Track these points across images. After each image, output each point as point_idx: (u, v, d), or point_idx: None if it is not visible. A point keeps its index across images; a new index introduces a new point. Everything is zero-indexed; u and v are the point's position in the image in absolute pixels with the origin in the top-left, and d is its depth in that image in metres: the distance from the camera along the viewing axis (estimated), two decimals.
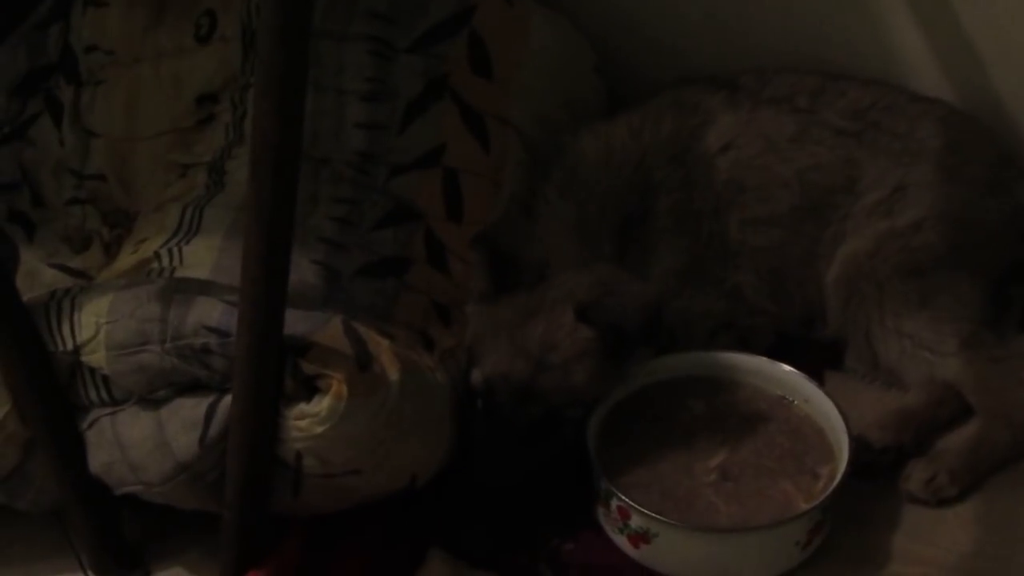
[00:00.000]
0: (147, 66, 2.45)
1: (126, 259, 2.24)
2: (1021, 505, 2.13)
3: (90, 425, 2.01)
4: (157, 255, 2.18)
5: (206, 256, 2.14)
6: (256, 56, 1.64)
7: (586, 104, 2.51)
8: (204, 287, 1.98)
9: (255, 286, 1.79)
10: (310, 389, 1.91)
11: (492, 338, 2.10)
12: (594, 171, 2.30)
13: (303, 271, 2.12)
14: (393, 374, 1.94)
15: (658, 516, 2.00)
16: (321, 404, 1.89)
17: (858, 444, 2.11)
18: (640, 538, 2.03)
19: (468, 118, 2.31)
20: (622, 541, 2.06)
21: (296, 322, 1.91)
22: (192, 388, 1.97)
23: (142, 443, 1.97)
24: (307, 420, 1.90)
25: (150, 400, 1.98)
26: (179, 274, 2.12)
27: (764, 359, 2.20)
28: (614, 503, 2.04)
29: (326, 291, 2.12)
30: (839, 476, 2.04)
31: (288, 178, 1.72)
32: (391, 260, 2.20)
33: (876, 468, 2.16)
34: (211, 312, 1.93)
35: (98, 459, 2.01)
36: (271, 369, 1.87)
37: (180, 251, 2.17)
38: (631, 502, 2.01)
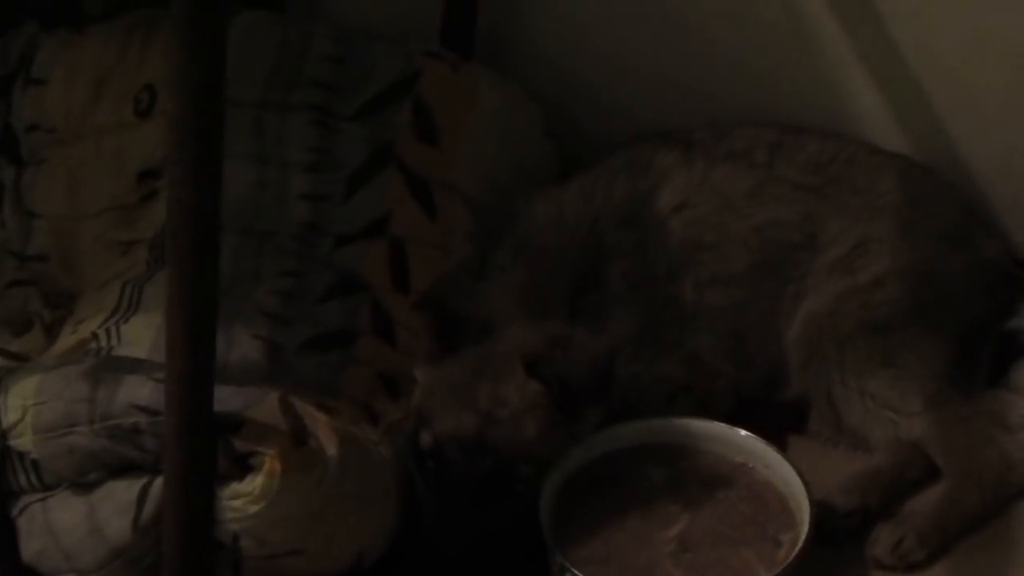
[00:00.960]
0: (88, 143, 2.41)
1: (65, 340, 2.19)
2: (992, 568, 2.06)
3: (20, 512, 1.95)
4: (95, 335, 2.13)
5: (144, 334, 2.08)
6: (167, 119, 1.58)
7: (537, 168, 2.46)
8: (134, 365, 1.93)
9: (180, 362, 1.73)
10: (244, 468, 1.85)
11: (440, 398, 2.05)
12: (546, 236, 2.25)
13: (245, 348, 2.07)
14: (331, 449, 1.88)
15: None
16: (254, 482, 1.83)
17: (822, 509, 2.04)
18: None
19: (413, 186, 2.27)
20: None
21: (229, 398, 1.86)
22: (125, 470, 1.91)
23: (74, 529, 1.91)
24: (241, 500, 1.84)
25: (82, 484, 1.92)
26: (116, 353, 2.06)
27: (723, 425, 2.14)
28: None
29: (269, 367, 2.07)
30: (801, 543, 1.96)
31: (208, 243, 1.67)
32: (336, 333, 2.14)
33: (841, 533, 2.09)
34: (140, 390, 1.88)
35: (30, 547, 1.95)
36: (202, 448, 1.81)
37: (118, 330, 2.12)
38: None
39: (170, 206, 1.66)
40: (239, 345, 2.05)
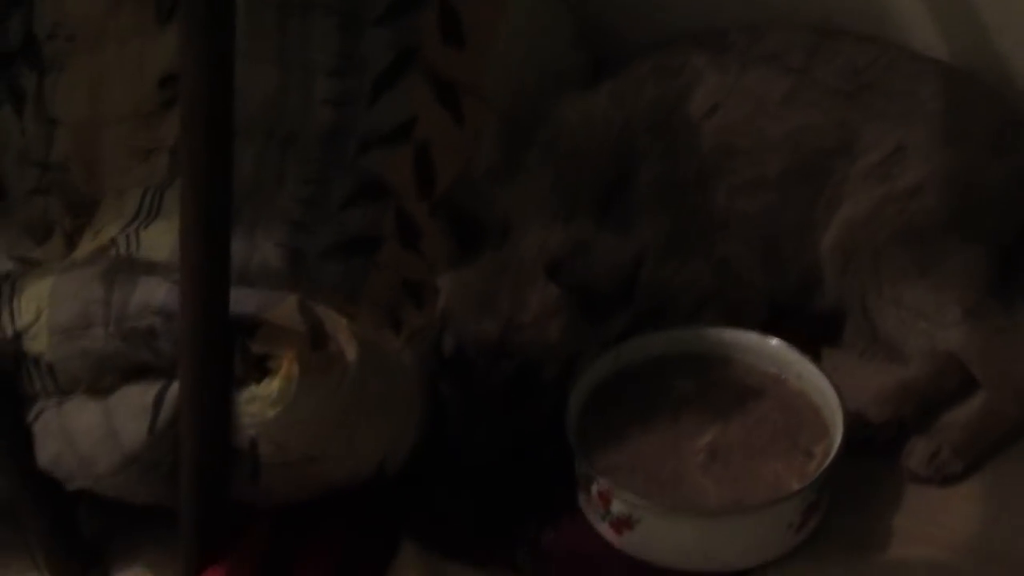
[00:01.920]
0: (109, 49, 2.35)
1: (85, 247, 2.15)
2: None
3: (36, 417, 1.91)
4: (114, 241, 2.09)
5: (165, 239, 2.04)
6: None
7: (567, 73, 2.40)
8: (149, 267, 1.89)
9: (194, 260, 1.69)
10: (261, 371, 1.80)
11: (462, 303, 2.02)
12: (574, 140, 2.20)
13: (266, 254, 2.03)
14: (351, 353, 1.83)
15: (640, 500, 1.89)
16: (271, 386, 1.79)
17: (855, 421, 2.00)
18: (623, 524, 1.92)
19: (439, 90, 2.20)
20: (604, 528, 1.95)
21: (246, 300, 1.82)
22: (140, 374, 1.86)
23: (89, 433, 1.87)
24: (258, 403, 1.80)
25: (97, 389, 1.88)
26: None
27: (754, 334, 2.09)
28: (595, 488, 1.93)
29: (290, 274, 2.02)
30: (833, 454, 1.92)
31: (221, 134, 1.61)
32: (360, 239, 2.09)
33: (875, 445, 2.05)
34: (156, 292, 1.83)
35: (46, 452, 1.91)
36: (218, 350, 1.77)
37: (138, 236, 2.08)
38: (612, 486, 1.90)
39: (182, 99, 1.61)
40: (260, 251, 2.01)
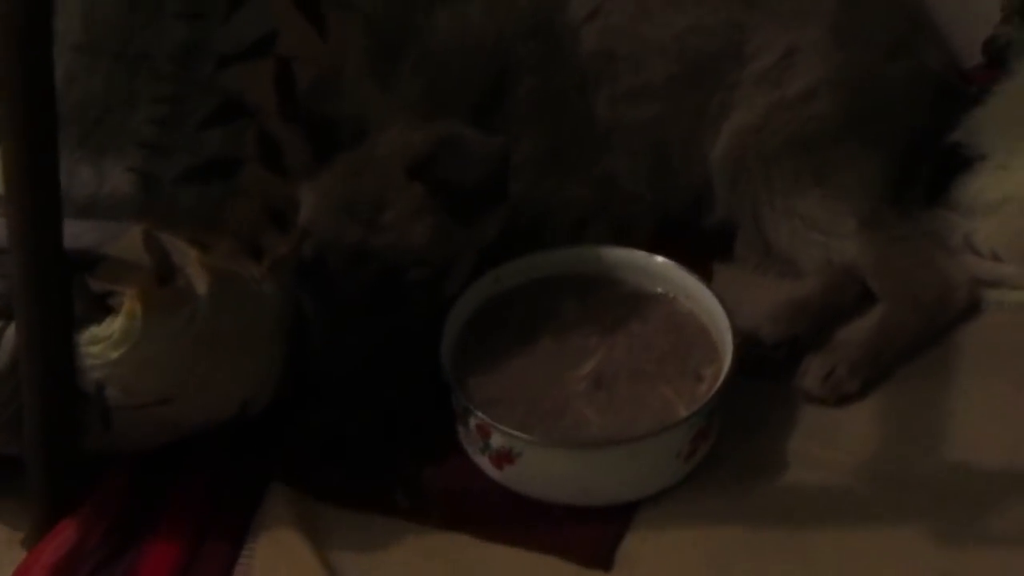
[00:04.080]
0: None
1: None
2: (929, 398, 1.93)
3: None
4: None
5: None
6: None
7: None
8: None
9: (19, 193, 1.56)
10: (102, 309, 1.68)
11: (320, 208, 1.90)
12: (447, 50, 2.07)
13: (116, 180, 1.90)
14: (202, 287, 1.72)
15: (520, 433, 1.79)
16: (113, 325, 1.68)
17: (747, 340, 1.91)
18: (503, 458, 1.82)
19: (301, 1, 2.06)
20: (484, 462, 1.85)
21: (84, 234, 1.71)
22: None
23: None
24: (100, 345, 1.68)
25: None
26: None
27: (640, 252, 2.00)
28: (472, 421, 1.83)
29: (143, 201, 1.89)
30: (723, 377, 1.82)
31: (37, 48, 1.50)
32: (218, 161, 1.97)
33: (769, 366, 1.96)
34: None
35: None
36: (54, 288, 1.66)
37: None
38: (490, 420, 1.79)
39: None
40: (110, 178, 1.89)
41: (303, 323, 1.91)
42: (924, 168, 2.11)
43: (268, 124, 2.02)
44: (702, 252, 2.09)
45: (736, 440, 1.87)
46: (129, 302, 1.67)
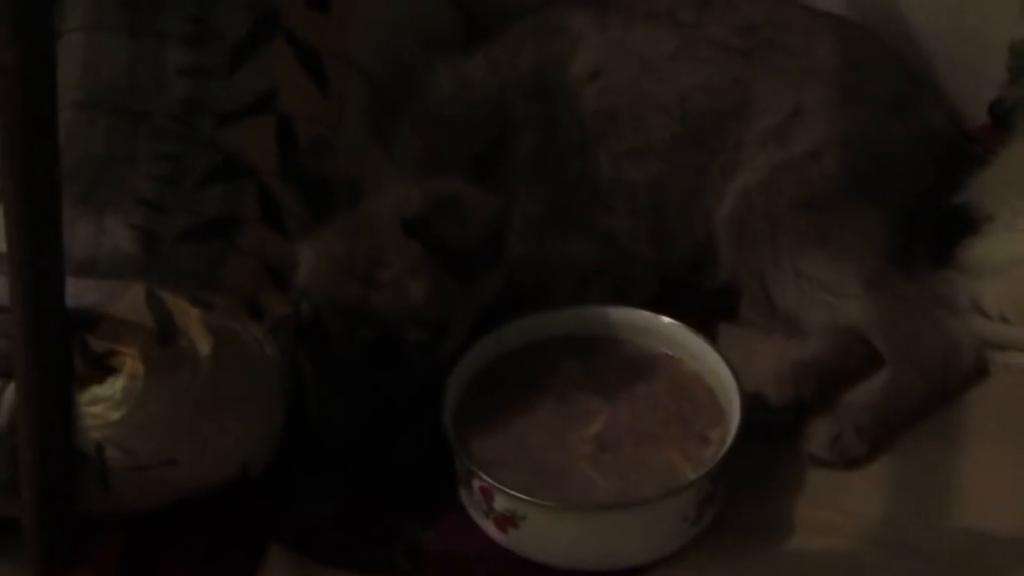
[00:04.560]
0: None
1: None
2: (937, 462, 1.90)
3: None
4: None
5: None
6: None
7: (441, 38, 2.26)
8: None
9: (21, 248, 1.54)
10: (103, 369, 1.66)
11: (318, 268, 1.88)
12: (447, 108, 2.07)
13: (118, 238, 1.88)
14: (204, 348, 1.70)
15: (524, 496, 1.76)
16: (115, 386, 1.66)
17: (753, 403, 1.88)
18: (507, 521, 1.79)
19: (303, 58, 2.06)
20: (488, 525, 1.82)
21: (86, 292, 1.68)
22: None
23: None
24: (101, 405, 1.66)
25: None
26: None
27: (644, 312, 1.97)
28: (476, 483, 1.80)
29: (144, 259, 1.87)
30: (730, 440, 1.80)
31: (42, 107, 1.49)
32: (219, 220, 1.95)
33: (775, 428, 1.93)
34: None
35: None
36: (55, 348, 1.63)
37: None
38: (493, 482, 1.77)
39: None
40: (111, 235, 1.86)
41: (301, 384, 1.89)
42: (929, 229, 2.09)
43: (269, 183, 2.00)
44: (706, 312, 2.06)
45: (742, 503, 1.85)
46: (131, 362, 1.65)
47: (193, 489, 1.78)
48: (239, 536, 1.84)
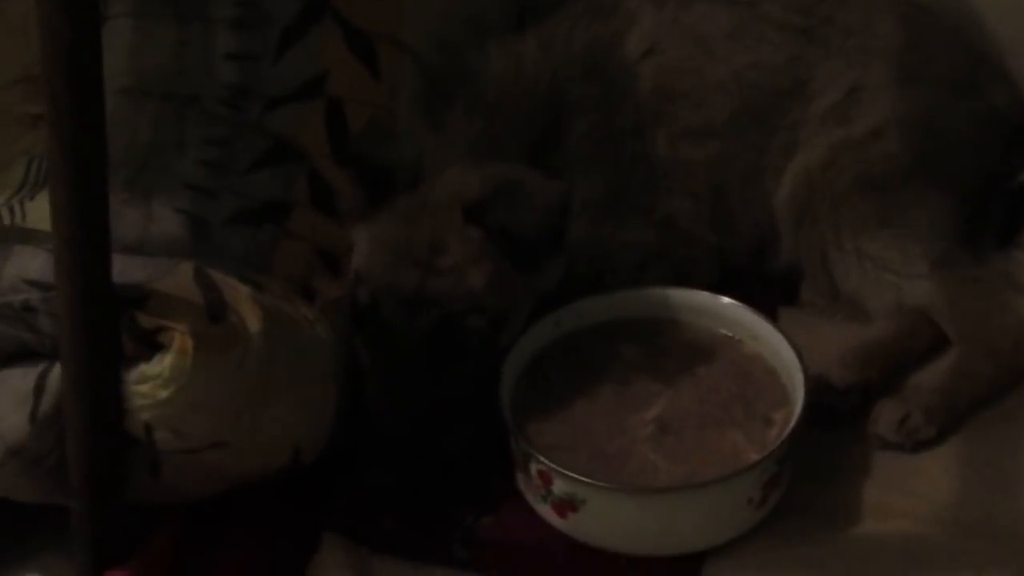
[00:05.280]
0: None
1: None
2: (1006, 445, 1.85)
3: None
4: None
5: None
6: None
7: (493, 20, 2.22)
8: (24, 235, 1.72)
9: (66, 225, 1.51)
10: (152, 346, 1.63)
11: (376, 253, 1.84)
12: (501, 92, 2.03)
13: (166, 223, 1.86)
14: (255, 326, 1.66)
15: (585, 479, 1.72)
16: (163, 363, 1.62)
17: (817, 385, 1.84)
18: (566, 506, 1.74)
19: (353, 41, 2.03)
20: (546, 511, 1.78)
21: (134, 269, 1.65)
22: (18, 357, 1.69)
23: None
24: (149, 383, 1.63)
25: None
26: None
27: (705, 293, 1.93)
28: (534, 467, 1.75)
29: (192, 243, 1.86)
30: (794, 421, 1.75)
31: (87, 82, 1.46)
32: (269, 205, 1.93)
33: (840, 412, 1.89)
34: (31, 262, 1.67)
35: None
36: (102, 325, 1.60)
37: (23, 207, 1.89)
38: (553, 465, 1.72)
39: (43, 43, 1.44)
40: (158, 221, 1.85)
41: (358, 372, 1.85)
42: (996, 209, 2.04)
43: (320, 167, 1.97)
44: (766, 296, 2.02)
45: (807, 487, 1.80)
46: (180, 338, 1.61)
47: (244, 475, 1.75)
48: (293, 524, 1.80)
